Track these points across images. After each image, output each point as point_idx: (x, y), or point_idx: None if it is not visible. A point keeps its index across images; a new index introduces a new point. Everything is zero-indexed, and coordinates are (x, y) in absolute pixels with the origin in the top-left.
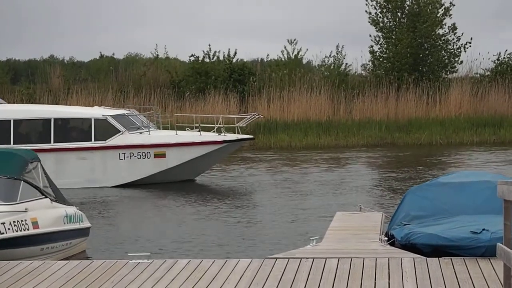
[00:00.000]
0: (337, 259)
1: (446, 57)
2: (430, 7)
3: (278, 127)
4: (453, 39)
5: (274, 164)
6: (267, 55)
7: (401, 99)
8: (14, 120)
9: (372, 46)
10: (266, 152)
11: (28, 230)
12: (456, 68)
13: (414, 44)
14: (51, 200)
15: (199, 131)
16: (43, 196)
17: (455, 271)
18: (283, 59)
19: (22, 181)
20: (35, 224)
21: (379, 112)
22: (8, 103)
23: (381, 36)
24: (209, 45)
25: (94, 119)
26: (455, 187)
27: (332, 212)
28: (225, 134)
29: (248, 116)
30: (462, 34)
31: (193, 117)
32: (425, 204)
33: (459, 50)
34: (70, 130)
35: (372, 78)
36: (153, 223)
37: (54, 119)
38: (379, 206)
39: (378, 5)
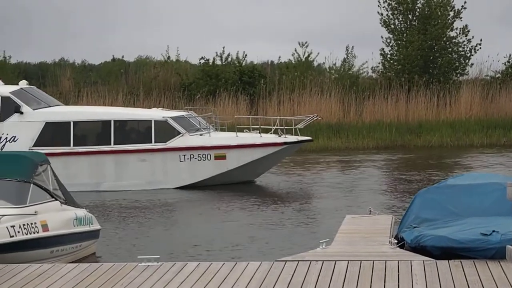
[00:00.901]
0: (347, 261)
1: (456, 59)
2: (441, 10)
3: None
4: (463, 41)
5: (284, 166)
6: (279, 57)
7: (412, 101)
8: (74, 122)
9: (383, 49)
10: None
11: (37, 233)
12: (466, 71)
13: (424, 47)
14: (61, 202)
15: (259, 132)
16: (53, 199)
17: (465, 274)
18: (293, 62)
19: (31, 184)
20: (45, 227)
21: (389, 115)
22: None
23: (392, 38)
24: (223, 47)
25: (155, 121)
26: (464, 189)
27: (342, 215)
28: (286, 136)
29: (308, 118)
30: (473, 37)
31: (250, 119)
32: (434, 206)
33: (470, 53)
34: (130, 132)
35: (382, 81)
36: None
37: (114, 121)
38: (389, 209)
39: (390, 7)
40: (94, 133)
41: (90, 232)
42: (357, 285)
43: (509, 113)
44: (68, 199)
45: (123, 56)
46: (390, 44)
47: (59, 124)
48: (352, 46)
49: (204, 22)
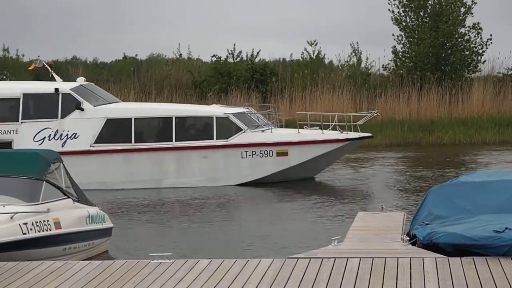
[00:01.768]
0: (359, 259)
1: (468, 56)
2: (452, 6)
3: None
4: (475, 36)
5: None
6: (290, 55)
7: (424, 98)
8: (135, 119)
9: (395, 46)
10: None
11: (50, 230)
12: (478, 68)
13: (436, 44)
14: (74, 200)
15: (321, 129)
16: (65, 197)
17: (477, 271)
18: (304, 59)
19: (44, 182)
20: (58, 225)
21: (401, 112)
22: None
23: (403, 36)
24: (234, 44)
25: (216, 117)
26: (477, 186)
27: (354, 211)
28: (347, 132)
29: (369, 114)
30: (482, 30)
31: (308, 115)
32: (447, 203)
33: (482, 49)
34: (191, 128)
35: (394, 78)
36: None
37: (176, 117)
38: (401, 206)
39: (401, 4)
40: (155, 130)
41: (103, 230)
42: (369, 282)
43: None
44: (81, 197)
45: (136, 55)
46: (402, 42)
47: (120, 120)
48: (357, 42)
49: (216, 19)
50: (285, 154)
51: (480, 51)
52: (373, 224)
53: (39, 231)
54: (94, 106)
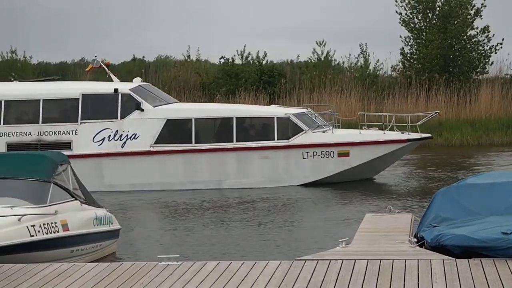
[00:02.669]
0: (366, 260)
1: (476, 58)
2: (461, 8)
3: None
4: (483, 39)
5: None
6: (297, 56)
7: (432, 100)
8: (195, 119)
9: (403, 48)
10: None
11: (58, 232)
12: (486, 69)
13: (444, 45)
14: (81, 202)
15: (382, 129)
16: (73, 199)
17: (484, 273)
18: (312, 61)
19: (52, 184)
20: (65, 227)
21: (409, 113)
22: None
23: (411, 37)
24: (244, 45)
25: (277, 118)
26: (485, 188)
27: (362, 213)
28: (409, 133)
29: (429, 115)
30: (494, 35)
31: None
32: (454, 205)
33: (490, 52)
34: (252, 129)
35: (402, 79)
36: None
37: (236, 118)
38: (409, 208)
39: (409, 6)
40: (216, 130)
41: (110, 231)
42: (376, 284)
43: None
44: (88, 199)
45: (143, 57)
46: (410, 43)
47: (181, 121)
48: (365, 43)
49: (224, 21)
50: (346, 154)
51: (488, 53)
52: (381, 226)
53: (46, 233)
54: (154, 107)
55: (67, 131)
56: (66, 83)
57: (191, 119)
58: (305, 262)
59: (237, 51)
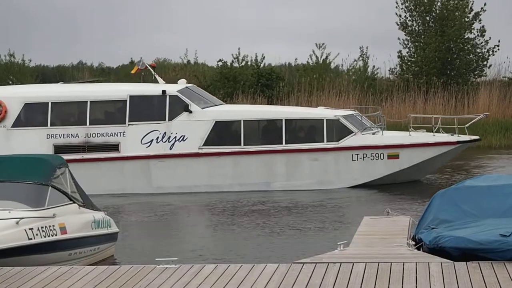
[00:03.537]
0: (364, 263)
1: (474, 60)
2: (459, 12)
3: None
4: (481, 42)
5: None
6: (295, 59)
7: (429, 102)
8: (244, 121)
9: (400, 51)
10: None
11: (56, 235)
12: (484, 72)
13: (442, 48)
14: (79, 205)
15: (432, 131)
16: (71, 202)
17: (483, 275)
18: (311, 64)
19: (50, 187)
20: (63, 230)
21: (407, 116)
22: None
23: (409, 40)
24: (239, 48)
25: (326, 119)
26: (483, 190)
27: (360, 216)
28: (458, 135)
29: (478, 117)
30: (490, 38)
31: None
32: (452, 207)
33: (488, 54)
34: (301, 131)
35: (400, 82)
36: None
37: (285, 120)
38: (407, 210)
39: (407, 9)
40: (265, 132)
41: (108, 235)
42: (374, 287)
43: None
44: (86, 202)
45: (141, 58)
46: (408, 46)
47: (229, 123)
48: (367, 47)
49: (222, 24)
50: (396, 157)
51: (486, 55)
52: (379, 228)
53: (44, 236)
54: (202, 108)
55: (114, 133)
56: (112, 84)
57: (240, 121)
58: (303, 265)
59: (232, 55)
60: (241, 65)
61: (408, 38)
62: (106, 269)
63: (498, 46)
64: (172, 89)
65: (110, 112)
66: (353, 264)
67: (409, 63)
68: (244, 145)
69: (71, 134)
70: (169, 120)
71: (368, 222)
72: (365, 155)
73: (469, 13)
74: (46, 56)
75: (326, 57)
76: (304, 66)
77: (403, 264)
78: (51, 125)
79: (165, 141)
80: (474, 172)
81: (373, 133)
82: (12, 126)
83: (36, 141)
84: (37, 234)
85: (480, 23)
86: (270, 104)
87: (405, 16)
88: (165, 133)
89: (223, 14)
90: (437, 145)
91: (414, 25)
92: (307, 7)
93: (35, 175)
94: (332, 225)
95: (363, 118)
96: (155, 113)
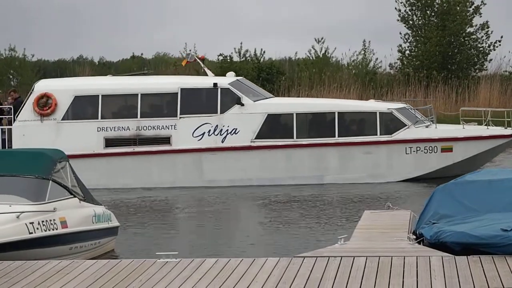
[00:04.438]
0: (365, 257)
1: (475, 55)
2: (460, 6)
3: None
4: (482, 37)
5: None
6: (295, 53)
7: (430, 97)
8: (296, 114)
9: (400, 45)
10: None
11: (56, 229)
12: (485, 66)
13: (443, 42)
14: (80, 199)
15: (486, 125)
16: (72, 196)
17: (483, 269)
18: (311, 58)
19: (50, 181)
20: (64, 224)
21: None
22: None
23: (410, 34)
24: (241, 42)
25: (380, 112)
26: (483, 185)
27: (360, 210)
28: None
29: None
30: (492, 32)
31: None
32: (453, 202)
33: (489, 48)
34: (354, 124)
35: (400, 76)
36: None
37: (338, 112)
38: (407, 205)
39: (408, 2)
40: (317, 125)
41: (109, 229)
42: (375, 281)
43: None
44: (87, 196)
45: (142, 54)
46: (409, 40)
47: (282, 116)
48: (369, 41)
49: (221, 19)
50: (449, 150)
51: (487, 50)
52: (380, 223)
53: (45, 230)
54: (254, 101)
55: (166, 126)
56: (163, 77)
57: (292, 114)
58: (304, 259)
59: (234, 49)
60: (241, 59)
61: (409, 32)
62: (107, 263)
63: (499, 41)
64: (224, 81)
65: (161, 105)
66: (353, 258)
67: (409, 57)
68: (297, 138)
69: (122, 127)
70: (220, 113)
71: (368, 216)
72: (418, 148)
73: (470, 7)
74: (45, 51)
75: (326, 51)
76: (304, 60)
77: (404, 258)
78: (101, 118)
79: (216, 134)
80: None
81: (426, 126)
82: (62, 119)
83: (86, 134)
84: (37, 228)
85: (481, 17)
86: None
87: (405, 11)
88: (216, 126)
89: (225, 9)
90: (491, 138)
91: (415, 19)
92: (308, 1)
93: (36, 169)
94: (332, 219)
95: (415, 111)
96: (207, 106)
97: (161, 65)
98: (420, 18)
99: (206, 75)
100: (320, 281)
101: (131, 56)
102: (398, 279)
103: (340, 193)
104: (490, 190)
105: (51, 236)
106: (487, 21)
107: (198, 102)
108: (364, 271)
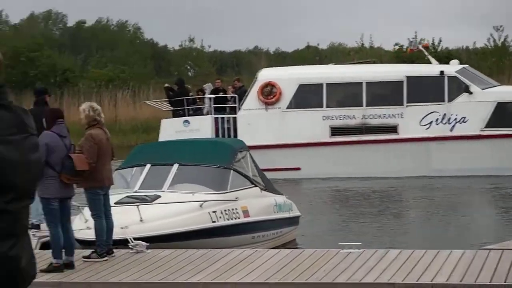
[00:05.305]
0: None
1: None
2: None
3: None
4: None
5: None
6: (474, 43)
7: None
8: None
9: None
10: None
11: (238, 218)
12: None
13: None
14: (261, 189)
15: None
16: (253, 185)
17: None
18: (489, 47)
19: (232, 170)
20: (246, 213)
21: None
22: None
23: None
24: (415, 32)
25: None
26: None
27: None
28: None
29: None
30: None
31: None
32: None
33: None
34: None
35: None
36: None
37: None
38: None
39: None
40: None
41: (290, 218)
42: None
43: None
44: (268, 186)
45: (318, 44)
46: None
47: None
48: None
49: (397, 8)
50: None
51: None
52: None
53: (228, 219)
54: (482, 89)
55: (392, 115)
56: (387, 65)
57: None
58: (490, 251)
59: (408, 39)
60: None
61: None
62: (290, 252)
63: None
64: (450, 69)
65: (386, 94)
66: None
67: None
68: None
69: (348, 116)
70: (448, 101)
71: None
72: None
73: None
74: (222, 42)
75: (505, 40)
76: (482, 49)
77: None
78: (326, 107)
79: (445, 123)
80: None
81: None
82: (287, 108)
83: (311, 123)
84: (220, 217)
85: None
86: None
87: None
88: (444, 114)
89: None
90: None
91: None
92: None
93: (217, 159)
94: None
95: None
96: (434, 94)
97: (336, 54)
98: None
99: (430, 63)
100: (508, 274)
101: (306, 46)
102: None
103: None
104: None
105: (234, 225)
106: None
107: (425, 90)
108: None
